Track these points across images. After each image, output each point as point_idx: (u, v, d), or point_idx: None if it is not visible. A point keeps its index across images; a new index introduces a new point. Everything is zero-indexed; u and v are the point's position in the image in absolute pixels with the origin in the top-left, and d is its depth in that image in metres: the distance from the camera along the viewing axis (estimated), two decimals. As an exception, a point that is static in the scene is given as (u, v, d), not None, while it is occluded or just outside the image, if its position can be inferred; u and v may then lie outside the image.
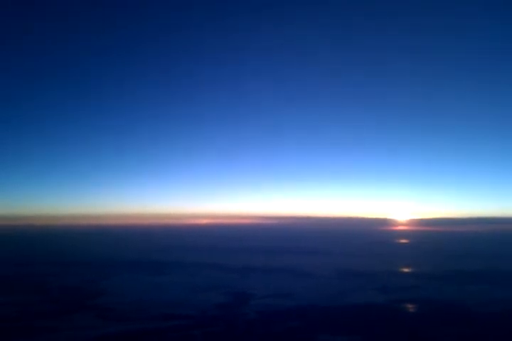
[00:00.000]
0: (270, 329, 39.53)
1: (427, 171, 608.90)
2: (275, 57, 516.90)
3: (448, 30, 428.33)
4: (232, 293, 56.32)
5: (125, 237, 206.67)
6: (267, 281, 66.32)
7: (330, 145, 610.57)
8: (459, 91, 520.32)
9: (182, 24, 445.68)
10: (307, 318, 43.35)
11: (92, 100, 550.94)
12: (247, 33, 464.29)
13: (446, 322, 42.43)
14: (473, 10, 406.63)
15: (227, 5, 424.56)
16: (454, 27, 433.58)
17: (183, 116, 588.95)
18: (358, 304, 49.98)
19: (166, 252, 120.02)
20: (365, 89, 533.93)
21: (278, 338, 37.27)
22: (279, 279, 68.92)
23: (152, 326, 40.47)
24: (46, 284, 64.11)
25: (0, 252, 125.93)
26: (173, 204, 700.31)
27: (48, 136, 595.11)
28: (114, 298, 53.74)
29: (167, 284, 63.88)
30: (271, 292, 57.13)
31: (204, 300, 52.12)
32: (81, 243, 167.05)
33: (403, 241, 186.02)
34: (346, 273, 76.53)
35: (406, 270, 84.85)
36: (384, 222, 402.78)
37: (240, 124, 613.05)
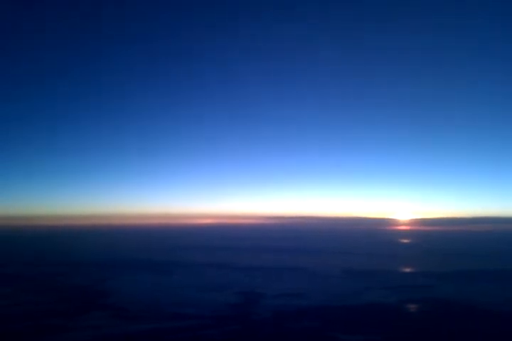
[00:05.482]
0: (286, 328, 39.56)
1: (429, 171, 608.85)
2: (277, 58, 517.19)
3: (449, 30, 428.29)
4: (242, 293, 56.39)
5: (129, 237, 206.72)
6: (275, 280, 66.44)
7: (332, 145, 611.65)
8: (459, 91, 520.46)
9: (183, 24, 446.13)
10: (321, 318, 43.36)
11: (93, 99, 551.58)
12: (253, 32, 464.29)
13: (461, 320, 42.55)
14: (473, 10, 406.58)
15: (229, 4, 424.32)
16: (454, 27, 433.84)
17: (186, 116, 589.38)
18: (371, 303, 50.05)
19: (171, 252, 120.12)
20: (368, 89, 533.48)
21: (296, 337, 37.33)
22: (288, 278, 69.04)
23: (167, 325, 40.55)
24: (56, 283, 64.35)
25: (7, 252, 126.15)
26: (177, 204, 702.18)
27: (49, 135, 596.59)
28: (124, 297, 53.87)
29: (176, 284, 64.02)
30: (281, 291, 57.17)
31: (214, 299, 52.23)
32: (86, 243, 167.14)
33: (406, 240, 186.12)
34: (354, 272, 76.73)
35: (413, 269, 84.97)
36: (386, 221, 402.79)
37: (244, 124, 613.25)
